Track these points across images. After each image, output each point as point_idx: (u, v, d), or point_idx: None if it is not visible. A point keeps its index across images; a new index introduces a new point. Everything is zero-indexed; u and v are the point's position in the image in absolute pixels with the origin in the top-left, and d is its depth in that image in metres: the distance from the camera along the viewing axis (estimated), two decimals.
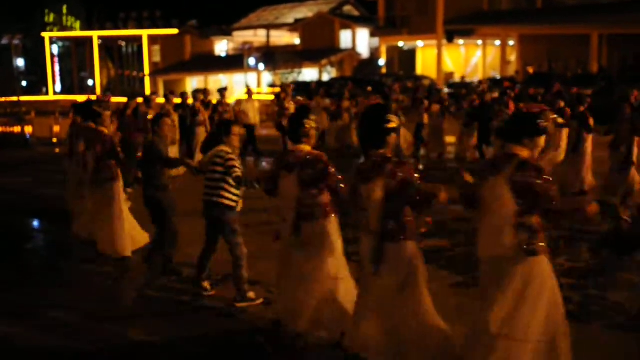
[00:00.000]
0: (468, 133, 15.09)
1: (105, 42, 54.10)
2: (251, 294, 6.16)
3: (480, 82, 32.41)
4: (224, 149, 6.07)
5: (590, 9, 33.45)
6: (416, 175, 4.41)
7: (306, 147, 5.23)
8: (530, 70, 31.32)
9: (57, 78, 54.42)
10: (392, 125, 4.52)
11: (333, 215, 5.21)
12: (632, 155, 9.60)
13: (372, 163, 4.47)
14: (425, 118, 15.72)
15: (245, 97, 17.35)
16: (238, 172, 5.94)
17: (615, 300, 6.19)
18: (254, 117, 16.54)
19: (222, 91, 16.25)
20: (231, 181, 5.99)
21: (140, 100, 13.83)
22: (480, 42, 37.27)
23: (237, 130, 6.26)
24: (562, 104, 11.75)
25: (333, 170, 5.13)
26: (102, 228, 7.79)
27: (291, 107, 15.36)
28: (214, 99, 16.22)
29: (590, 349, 5.13)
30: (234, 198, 6.10)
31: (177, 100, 15.47)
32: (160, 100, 16.63)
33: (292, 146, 5.36)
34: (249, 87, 18.19)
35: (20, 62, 56.91)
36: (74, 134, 9.25)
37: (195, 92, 15.87)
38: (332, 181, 5.12)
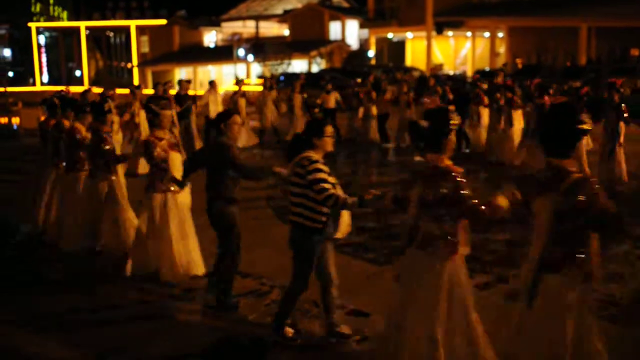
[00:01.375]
0: None
1: (93, 33, 53.67)
2: (345, 329, 5.29)
3: (464, 73, 32.63)
4: (308, 155, 4.92)
5: (579, 1, 33.56)
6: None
7: (441, 158, 4.14)
8: (519, 62, 31.38)
9: (44, 69, 53.98)
10: (586, 127, 3.75)
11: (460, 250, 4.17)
12: (617, 141, 9.97)
13: (553, 173, 3.71)
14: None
15: (236, 88, 16.91)
16: (328, 189, 4.77)
17: (607, 292, 6.21)
18: (216, 110, 15.28)
19: (212, 83, 16.25)
20: (313, 195, 4.84)
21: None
22: (469, 34, 37.27)
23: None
24: (546, 98, 11.85)
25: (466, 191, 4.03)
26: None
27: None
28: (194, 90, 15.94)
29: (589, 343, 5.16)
30: (322, 218, 4.94)
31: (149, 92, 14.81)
32: (151, 91, 16.09)
33: (430, 156, 4.16)
34: (213, 80, 17.52)
35: (6, 53, 56.37)
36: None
37: (157, 85, 14.72)
38: (466, 206, 4.01)
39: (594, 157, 10.64)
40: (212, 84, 16.56)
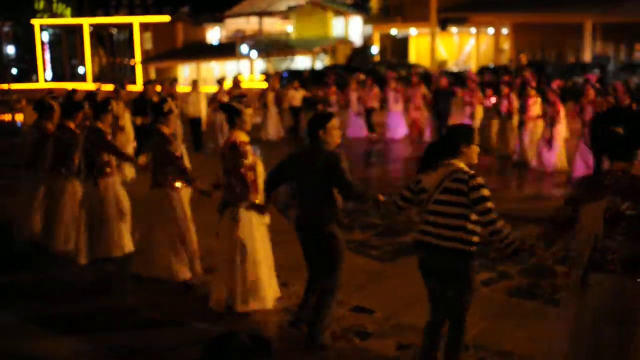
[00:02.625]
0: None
1: (96, 30, 53.70)
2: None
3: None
4: (461, 165, 4.21)
5: None
6: None
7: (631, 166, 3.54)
8: (524, 58, 31.28)
9: (48, 66, 54.01)
10: None
11: None
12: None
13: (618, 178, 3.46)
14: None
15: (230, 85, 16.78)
16: (492, 209, 4.04)
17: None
18: (197, 110, 15.30)
19: (221, 81, 16.05)
20: (474, 217, 4.11)
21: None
22: (473, 30, 37.17)
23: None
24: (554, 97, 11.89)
25: None
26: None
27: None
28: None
29: None
30: (475, 240, 4.19)
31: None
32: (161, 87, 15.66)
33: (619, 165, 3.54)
34: (196, 80, 17.21)
35: (10, 50, 56.42)
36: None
37: (147, 84, 13.70)
38: None
39: None
40: (194, 83, 16.26)
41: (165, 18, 49.22)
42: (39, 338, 5.34)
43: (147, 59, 48.88)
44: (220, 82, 16.23)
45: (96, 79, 47.70)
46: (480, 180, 4.07)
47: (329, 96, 17.50)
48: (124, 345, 5.19)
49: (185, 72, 46.10)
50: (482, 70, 29.06)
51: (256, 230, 5.61)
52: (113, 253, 7.10)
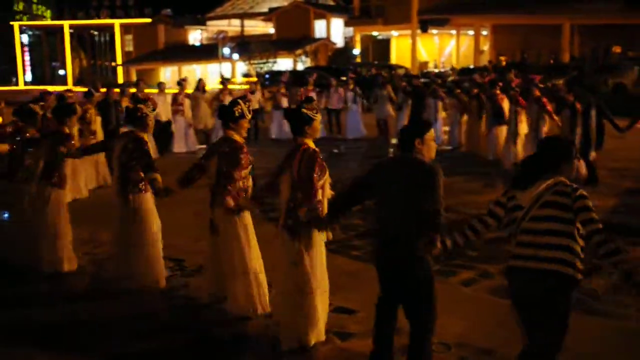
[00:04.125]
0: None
1: (77, 32, 53.35)
2: None
3: (452, 69, 32.79)
4: (561, 179, 3.81)
5: None
6: None
7: None
8: (503, 60, 31.57)
9: (28, 68, 53.58)
10: None
11: None
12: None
13: None
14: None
15: (221, 86, 16.84)
16: (599, 222, 3.61)
17: (588, 287, 6.26)
18: (165, 113, 15.15)
19: (182, 82, 15.95)
20: (578, 238, 3.68)
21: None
22: (454, 31, 37.42)
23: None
24: (539, 93, 12.09)
25: None
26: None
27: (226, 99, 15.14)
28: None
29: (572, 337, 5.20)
30: (581, 267, 3.71)
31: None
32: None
33: None
34: (162, 82, 17.16)
35: None
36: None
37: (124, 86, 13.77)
38: None
39: None
40: (160, 85, 16.19)
41: (147, 20, 49.03)
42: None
43: (128, 61, 48.68)
44: (223, 82, 16.33)
45: (77, 81, 47.38)
46: (583, 191, 3.69)
47: (278, 97, 17.76)
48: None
49: (166, 74, 45.95)
50: (463, 71, 29.29)
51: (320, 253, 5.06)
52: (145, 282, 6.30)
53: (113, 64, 50.83)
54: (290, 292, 4.90)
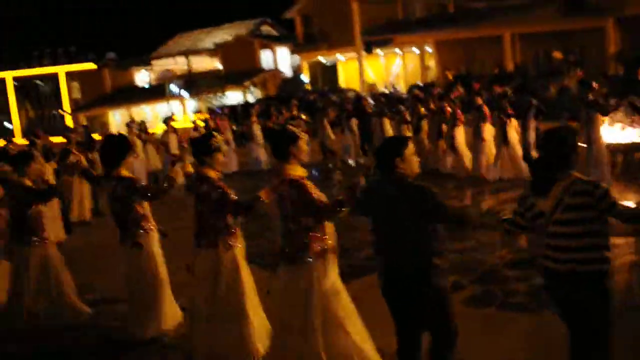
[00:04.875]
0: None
1: (21, 82, 52.50)
2: None
3: (393, 88, 33.39)
4: (577, 175, 3.82)
5: (499, 10, 34.63)
6: None
7: None
8: (449, 74, 32.12)
9: None
10: None
11: None
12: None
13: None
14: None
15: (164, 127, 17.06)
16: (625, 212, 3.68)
17: None
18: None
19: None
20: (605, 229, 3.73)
21: None
22: (398, 50, 37.98)
23: None
24: (480, 101, 12.53)
25: None
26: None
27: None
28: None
29: (544, 338, 5.26)
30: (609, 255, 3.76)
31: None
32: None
33: None
34: (87, 124, 17.34)
35: None
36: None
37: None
38: None
39: None
40: (85, 127, 16.39)
41: (91, 65, 48.53)
42: None
43: (76, 108, 48.07)
44: (166, 121, 16.46)
45: (25, 133, 46.51)
46: (604, 186, 3.69)
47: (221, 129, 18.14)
48: None
49: (116, 117, 45.48)
50: (411, 88, 29.69)
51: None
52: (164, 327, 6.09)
53: (60, 112, 50.06)
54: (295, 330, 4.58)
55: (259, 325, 5.34)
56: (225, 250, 5.28)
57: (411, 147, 4.27)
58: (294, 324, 4.58)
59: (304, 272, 4.58)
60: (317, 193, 4.61)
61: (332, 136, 17.22)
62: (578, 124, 10.40)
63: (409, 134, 14.89)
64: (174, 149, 15.95)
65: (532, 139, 11.55)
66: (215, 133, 5.54)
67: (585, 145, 9.81)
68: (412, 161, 4.21)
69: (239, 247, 5.42)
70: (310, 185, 4.64)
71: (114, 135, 6.32)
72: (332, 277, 4.72)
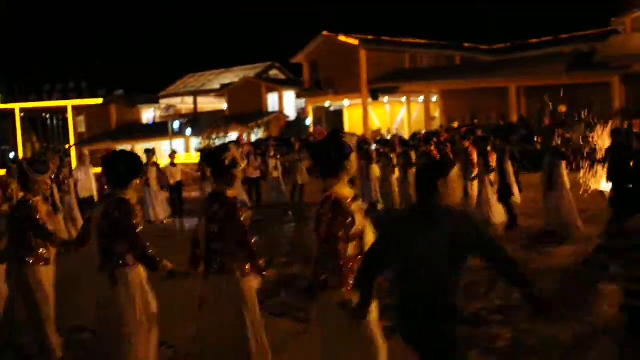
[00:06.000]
0: None
1: (28, 115, 52.86)
2: None
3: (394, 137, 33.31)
4: None
5: (505, 63, 34.82)
6: None
7: None
8: (455, 124, 32.05)
9: None
10: None
11: None
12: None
13: None
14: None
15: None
16: None
17: (549, 334, 5.99)
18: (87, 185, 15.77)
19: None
20: None
21: None
22: (404, 99, 38.07)
23: None
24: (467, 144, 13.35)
25: None
26: None
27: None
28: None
29: None
30: None
31: None
32: None
33: None
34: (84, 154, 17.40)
35: None
36: None
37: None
38: None
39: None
40: (81, 158, 16.37)
41: (98, 100, 48.86)
42: None
43: (80, 142, 48.19)
44: (172, 155, 16.76)
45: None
46: None
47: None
48: None
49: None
50: (414, 135, 29.57)
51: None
52: None
53: (67, 146, 50.21)
54: None
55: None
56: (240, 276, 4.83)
57: (455, 170, 3.84)
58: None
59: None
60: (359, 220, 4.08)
61: (306, 178, 17.56)
62: None
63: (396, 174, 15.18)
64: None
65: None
66: (232, 146, 4.95)
67: None
68: (454, 188, 3.76)
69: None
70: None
71: (127, 151, 5.58)
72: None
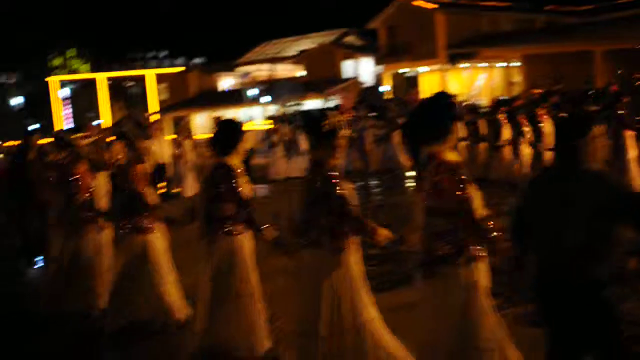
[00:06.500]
0: None
1: (113, 83, 54.63)
2: None
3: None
4: None
5: (590, 26, 33.25)
6: None
7: None
8: (537, 90, 30.98)
9: (66, 120, 54.77)
10: None
11: None
12: None
13: None
14: None
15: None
16: None
17: None
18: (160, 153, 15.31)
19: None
20: None
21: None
22: (483, 64, 37.08)
23: None
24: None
25: None
26: None
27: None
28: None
29: None
30: None
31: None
32: None
33: None
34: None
35: (17, 102, 57.45)
36: None
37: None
38: None
39: None
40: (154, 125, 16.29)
41: (179, 69, 49.96)
42: None
43: (162, 110, 49.46)
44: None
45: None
46: None
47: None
48: None
49: (199, 119, 46.47)
50: (499, 102, 28.78)
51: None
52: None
53: (148, 113, 51.75)
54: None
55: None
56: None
57: (599, 129, 3.45)
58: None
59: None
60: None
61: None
62: None
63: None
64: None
65: None
66: (331, 113, 4.66)
67: None
68: (596, 146, 3.37)
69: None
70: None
71: (230, 119, 5.68)
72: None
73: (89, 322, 6.62)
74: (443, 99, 3.92)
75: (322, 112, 4.62)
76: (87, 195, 6.83)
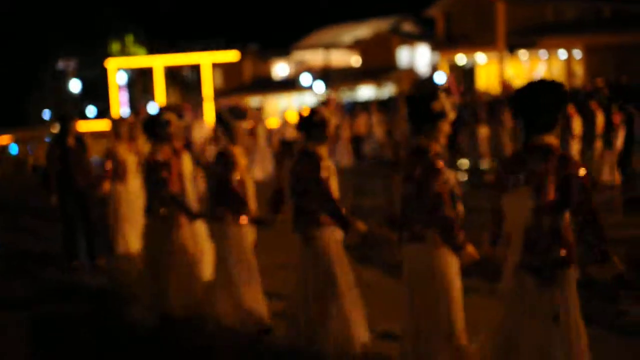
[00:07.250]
0: None
1: (169, 69, 55.27)
2: None
3: None
4: None
5: None
6: None
7: None
8: (600, 82, 29.85)
9: (124, 105, 55.72)
10: None
11: None
12: None
13: None
14: None
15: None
16: None
17: None
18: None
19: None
20: None
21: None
22: (544, 54, 35.99)
23: None
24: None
25: None
26: None
27: None
28: None
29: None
30: None
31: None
32: None
33: None
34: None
35: (74, 87, 58.59)
36: None
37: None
38: None
39: None
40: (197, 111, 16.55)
41: (235, 55, 50.10)
42: None
43: (216, 95, 49.83)
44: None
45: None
46: None
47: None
48: None
49: (252, 105, 46.71)
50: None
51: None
52: None
53: (203, 98, 52.17)
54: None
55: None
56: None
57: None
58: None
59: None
60: None
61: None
62: None
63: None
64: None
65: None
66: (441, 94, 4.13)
67: None
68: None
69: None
70: None
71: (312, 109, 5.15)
72: None
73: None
74: (553, 84, 3.57)
75: (432, 91, 4.14)
76: (177, 183, 6.20)
